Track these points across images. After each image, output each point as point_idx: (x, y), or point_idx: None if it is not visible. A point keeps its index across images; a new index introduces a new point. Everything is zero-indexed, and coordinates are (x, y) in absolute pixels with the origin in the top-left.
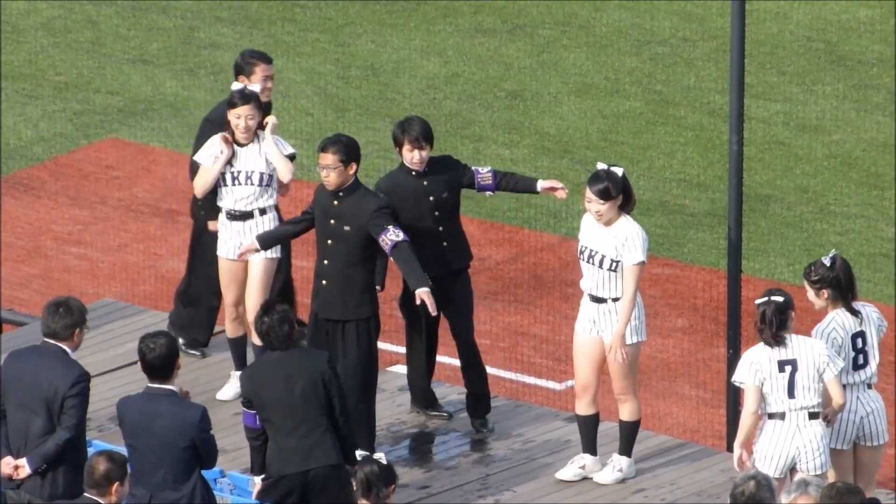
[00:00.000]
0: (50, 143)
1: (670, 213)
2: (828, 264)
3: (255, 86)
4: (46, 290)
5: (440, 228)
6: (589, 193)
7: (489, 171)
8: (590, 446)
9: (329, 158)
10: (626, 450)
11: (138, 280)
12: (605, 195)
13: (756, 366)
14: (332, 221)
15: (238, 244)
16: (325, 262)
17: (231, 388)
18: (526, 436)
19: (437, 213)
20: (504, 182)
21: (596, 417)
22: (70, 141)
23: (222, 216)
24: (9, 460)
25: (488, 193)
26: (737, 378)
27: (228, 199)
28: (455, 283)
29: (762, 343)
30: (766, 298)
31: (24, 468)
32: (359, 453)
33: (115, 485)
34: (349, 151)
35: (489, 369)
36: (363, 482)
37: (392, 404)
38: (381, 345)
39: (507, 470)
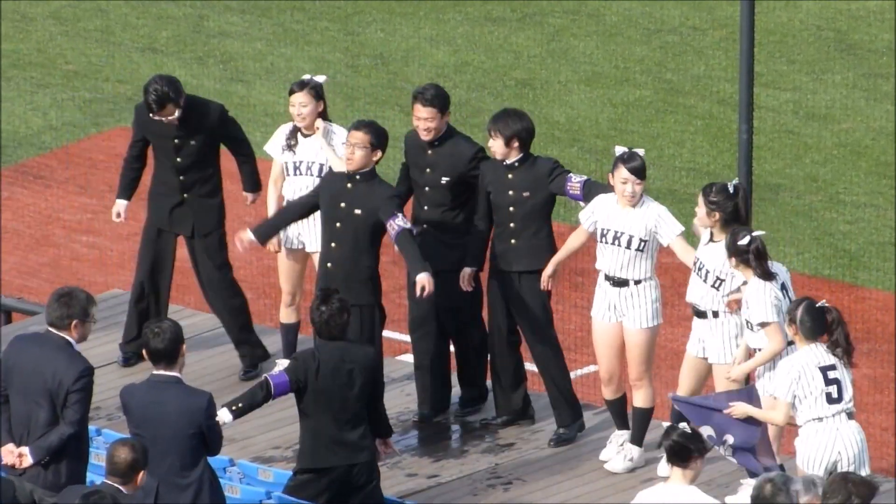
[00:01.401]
0: (59, 132)
1: (680, 202)
2: (731, 191)
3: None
4: (55, 278)
5: (511, 225)
6: (626, 174)
7: (580, 181)
8: (624, 423)
9: (359, 137)
10: (637, 439)
11: None
12: (642, 174)
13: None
14: (343, 204)
15: (297, 234)
16: (333, 244)
17: None
18: (536, 425)
19: (511, 209)
20: (590, 195)
21: (625, 397)
22: (79, 129)
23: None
24: (11, 447)
25: (582, 203)
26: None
27: (289, 189)
28: (520, 287)
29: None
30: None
31: (26, 458)
32: (664, 423)
33: (141, 474)
34: (379, 137)
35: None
36: (672, 449)
37: (401, 393)
38: (389, 333)
39: (517, 459)
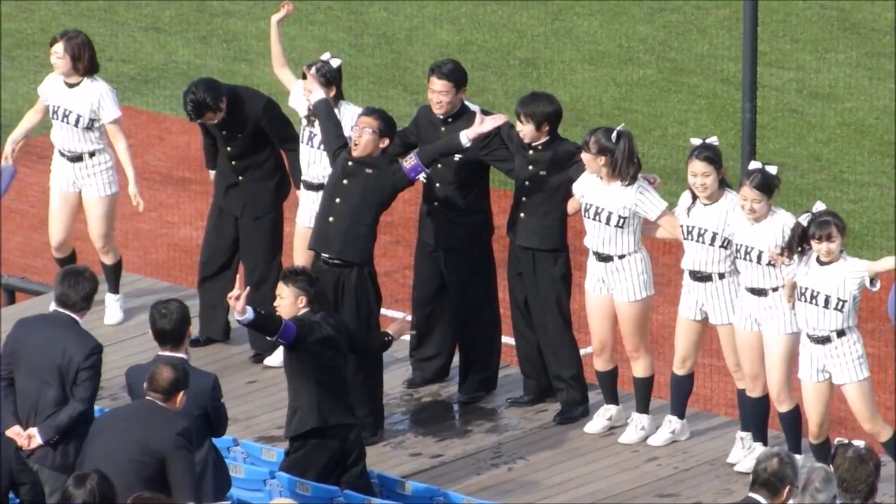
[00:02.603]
0: None
1: (683, 181)
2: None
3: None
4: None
5: (524, 199)
6: (590, 149)
7: None
8: (613, 398)
9: (367, 121)
10: (643, 407)
11: (151, 248)
12: (602, 152)
13: None
14: (351, 163)
15: (314, 213)
16: (337, 200)
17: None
18: (539, 404)
19: (527, 183)
20: None
21: (615, 371)
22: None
23: (302, 186)
24: (18, 430)
25: None
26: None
27: (304, 164)
28: (531, 265)
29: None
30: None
31: (35, 438)
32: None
33: (181, 394)
34: (387, 124)
35: (503, 338)
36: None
37: (405, 373)
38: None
39: (520, 438)
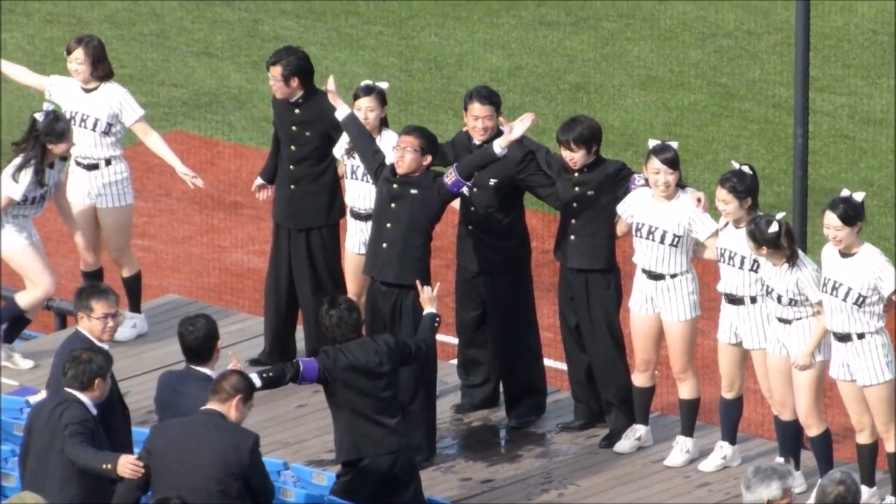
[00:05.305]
0: None
1: None
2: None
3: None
4: (110, 282)
5: (573, 221)
6: (658, 164)
7: (644, 179)
8: (644, 417)
9: (409, 140)
10: (688, 430)
11: (202, 272)
12: (674, 165)
13: None
14: (396, 186)
15: (363, 241)
16: (388, 225)
17: None
18: (589, 430)
19: (575, 205)
20: None
21: (653, 390)
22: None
23: (347, 213)
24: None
25: None
26: None
27: (350, 195)
28: (581, 286)
29: None
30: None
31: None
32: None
33: (239, 397)
34: (429, 142)
35: (553, 363)
36: None
37: (455, 397)
38: (443, 338)
39: (571, 464)
